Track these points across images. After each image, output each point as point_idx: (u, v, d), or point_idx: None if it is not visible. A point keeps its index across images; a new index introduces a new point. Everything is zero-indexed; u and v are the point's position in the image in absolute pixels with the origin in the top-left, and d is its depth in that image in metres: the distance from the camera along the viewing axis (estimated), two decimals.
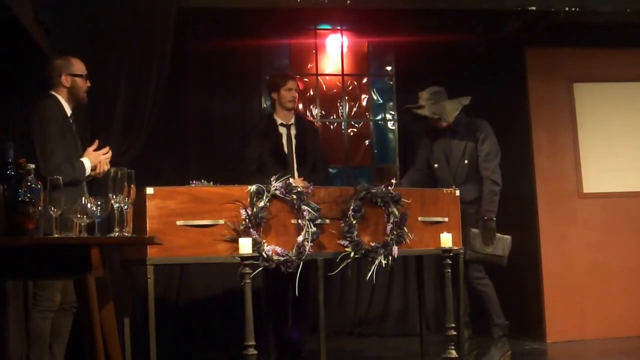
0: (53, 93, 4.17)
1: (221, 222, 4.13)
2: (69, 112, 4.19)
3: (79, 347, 4.06)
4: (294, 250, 4.22)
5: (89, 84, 4.26)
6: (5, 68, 4.42)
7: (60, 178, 3.10)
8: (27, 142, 3.98)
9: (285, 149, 5.17)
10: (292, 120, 5.24)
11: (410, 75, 6.79)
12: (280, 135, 5.20)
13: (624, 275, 6.24)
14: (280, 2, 5.67)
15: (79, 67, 4.22)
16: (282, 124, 5.21)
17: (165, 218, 4.04)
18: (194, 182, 4.28)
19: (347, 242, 4.38)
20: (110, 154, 4.24)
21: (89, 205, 3.15)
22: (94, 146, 4.21)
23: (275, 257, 4.17)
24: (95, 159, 4.16)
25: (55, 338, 4.09)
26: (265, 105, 6.78)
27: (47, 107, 4.08)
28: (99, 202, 3.19)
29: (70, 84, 4.17)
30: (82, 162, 4.11)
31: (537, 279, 6.20)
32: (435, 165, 5.23)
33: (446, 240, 4.44)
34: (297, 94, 5.25)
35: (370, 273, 4.45)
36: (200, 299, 6.26)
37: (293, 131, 5.22)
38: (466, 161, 5.11)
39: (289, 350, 5.17)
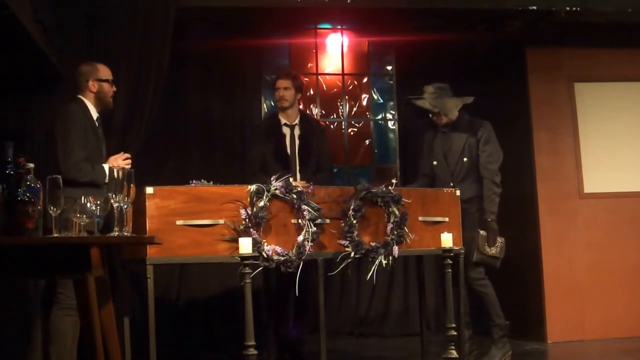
0: (80, 97, 4.31)
1: (221, 221, 4.12)
2: (95, 115, 4.33)
3: (77, 347, 4.08)
4: (294, 250, 4.21)
5: (114, 88, 4.41)
6: (3, 66, 4.41)
7: (60, 177, 3.09)
8: (51, 144, 4.16)
9: (288, 150, 5.14)
10: (297, 120, 5.21)
11: (410, 75, 6.78)
12: (284, 135, 5.17)
13: (624, 275, 6.23)
14: (281, 2, 5.66)
15: (105, 72, 4.37)
16: (286, 124, 5.18)
17: (165, 218, 4.03)
18: (194, 181, 4.27)
19: (348, 241, 4.37)
20: (130, 160, 4.32)
21: (88, 204, 3.14)
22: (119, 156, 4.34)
23: (275, 257, 4.16)
24: (113, 163, 4.25)
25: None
26: (265, 105, 6.77)
27: (71, 109, 4.23)
28: (98, 202, 3.18)
29: (97, 89, 4.33)
30: (102, 167, 4.22)
31: (538, 280, 6.18)
32: (434, 162, 5.22)
33: (447, 240, 4.42)
34: (284, 93, 5.14)
35: (370, 273, 4.44)
36: (200, 299, 6.25)
37: (297, 131, 5.18)
38: (465, 159, 5.10)
39: (289, 350, 5.16)
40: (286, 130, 5.17)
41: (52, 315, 4.07)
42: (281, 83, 5.16)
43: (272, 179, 4.27)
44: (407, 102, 5.29)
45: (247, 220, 4.11)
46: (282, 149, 5.12)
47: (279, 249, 4.18)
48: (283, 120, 5.18)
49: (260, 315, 5.07)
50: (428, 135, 5.34)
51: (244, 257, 3.82)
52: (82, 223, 3.13)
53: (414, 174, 6.08)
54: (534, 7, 5.65)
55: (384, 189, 4.52)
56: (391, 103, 7.20)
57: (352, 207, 4.38)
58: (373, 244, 4.44)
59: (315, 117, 6.72)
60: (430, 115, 5.19)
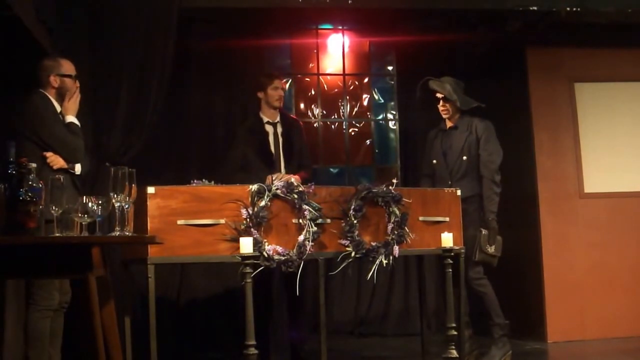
0: (42, 91, 4.19)
1: (222, 221, 4.13)
2: (58, 109, 4.21)
3: (77, 347, 4.08)
4: (294, 250, 4.22)
5: (78, 84, 4.27)
6: (6, 67, 4.42)
7: (61, 177, 3.10)
8: (26, 141, 4.00)
9: (272, 148, 5.15)
10: (278, 119, 5.23)
11: (411, 75, 6.76)
12: (267, 133, 5.18)
13: (625, 275, 6.23)
14: (282, 2, 5.67)
15: (68, 67, 4.24)
16: (268, 122, 5.20)
17: (166, 217, 4.04)
18: (195, 181, 4.28)
19: (348, 241, 4.38)
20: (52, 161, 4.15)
21: (90, 204, 3.15)
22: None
23: (276, 257, 4.17)
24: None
25: (51, 339, 4.08)
26: None
27: (35, 100, 4.12)
28: (100, 201, 3.19)
29: (58, 84, 4.20)
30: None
31: (538, 279, 6.19)
32: (434, 161, 5.24)
33: (447, 240, 4.43)
34: (282, 93, 5.22)
35: (370, 273, 4.45)
36: (200, 298, 6.26)
37: (279, 129, 5.20)
38: (465, 157, 5.11)
39: (283, 350, 5.16)
40: (269, 129, 5.18)
41: (29, 317, 4.00)
42: (279, 83, 5.20)
43: (273, 178, 4.29)
44: (425, 83, 5.24)
45: (248, 220, 4.12)
46: (266, 147, 5.13)
47: (279, 249, 4.19)
48: (265, 119, 5.20)
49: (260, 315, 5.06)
50: (430, 135, 5.37)
51: (244, 257, 3.83)
52: (83, 223, 3.14)
53: (415, 175, 6.10)
54: (534, 7, 5.66)
55: (384, 189, 4.53)
56: (392, 103, 7.21)
57: (352, 206, 4.40)
58: (373, 243, 4.45)
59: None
60: (440, 105, 5.18)
